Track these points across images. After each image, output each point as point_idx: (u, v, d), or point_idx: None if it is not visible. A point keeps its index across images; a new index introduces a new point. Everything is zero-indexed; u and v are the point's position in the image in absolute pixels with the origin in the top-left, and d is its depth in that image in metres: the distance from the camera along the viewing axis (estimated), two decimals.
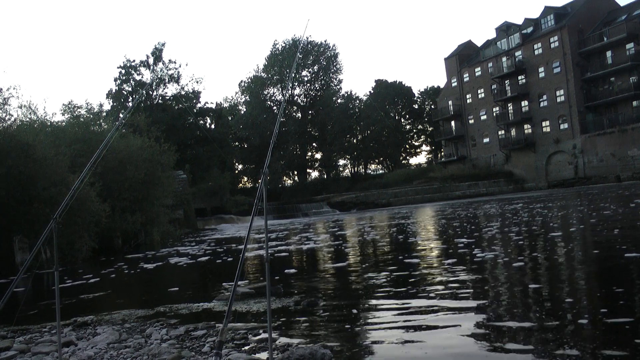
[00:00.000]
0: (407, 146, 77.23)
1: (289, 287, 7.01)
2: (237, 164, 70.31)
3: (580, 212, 15.81)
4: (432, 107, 71.16)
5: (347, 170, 77.10)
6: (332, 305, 5.66)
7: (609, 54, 47.41)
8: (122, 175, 21.67)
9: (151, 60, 53.88)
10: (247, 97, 72.08)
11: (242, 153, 68.41)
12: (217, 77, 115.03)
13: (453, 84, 63.86)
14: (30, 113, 21.12)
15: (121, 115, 45.19)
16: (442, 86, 69.04)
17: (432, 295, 5.65)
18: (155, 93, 53.69)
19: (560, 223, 12.61)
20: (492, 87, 57.86)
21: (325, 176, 74.65)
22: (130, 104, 51.63)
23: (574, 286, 5.69)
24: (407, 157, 78.09)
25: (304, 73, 71.30)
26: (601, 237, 9.48)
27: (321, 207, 48.66)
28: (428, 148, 78.45)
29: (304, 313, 5.37)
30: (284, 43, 69.53)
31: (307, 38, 68.97)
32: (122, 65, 53.38)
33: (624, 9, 49.91)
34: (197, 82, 58.15)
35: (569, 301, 4.83)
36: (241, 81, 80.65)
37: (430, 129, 73.24)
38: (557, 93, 50.75)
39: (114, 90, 53.63)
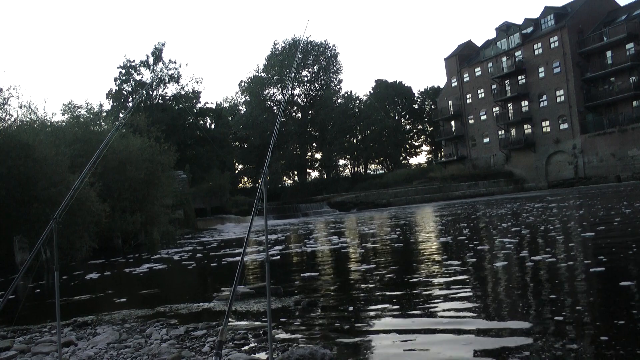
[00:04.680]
0: (407, 146, 77.23)
1: (289, 287, 7.01)
2: (237, 164, 70.32)
3: (598, 210, 15.48)
4: (432, 107, 71.16)
5: (347, 170, 77.19)
6: (332, 306, 5.66)
7: (609, 54, 47.40)
8: (122, 175, 21.68)
9: (151, 60, 53.90)
10: (247, 97, 72.12)
11: (242, 153, 68.43)
12: (217, 77, 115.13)
13: (453, 84, 63.85)
14: (30, 113, 21.14)
15: (121, 115, 45.18)
16: (442, 86, 69.05)
17: (434, 295, 5.65)
18: (155, 93, 53.70)
19: (588, 222, 12.15)
20: (492, 87, 57.86)
21: (325, 176, 74.67)
22: (130, 104, 51.62)
23: None
24: (407, 157, 78.15)
25: (303, 73, 71.37)
26: None
27: (321, 207, 48.67)
28: (428, 148, 78.49)
29: (304, 313, 5.37)
30: (284, 43, 69.65)
31: (307, 38, 69.12)
32: (122, 65, 53.41)
33: (624, 9, 49.91)
34: (197, 82, 58.24)
35: None
36: (241, 81, 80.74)
37: (430, 129, 73.24)
38: (557, 93, 50.75)
39: (114, 90, 53.65)
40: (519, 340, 3.69)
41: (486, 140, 59.44)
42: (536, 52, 52.83)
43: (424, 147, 78.97)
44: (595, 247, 8.07)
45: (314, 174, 76.80)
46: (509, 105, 56.29)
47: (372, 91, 75.42)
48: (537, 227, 12.13)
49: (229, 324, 4.49)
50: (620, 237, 9.18)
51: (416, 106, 76.44)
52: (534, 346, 3.50)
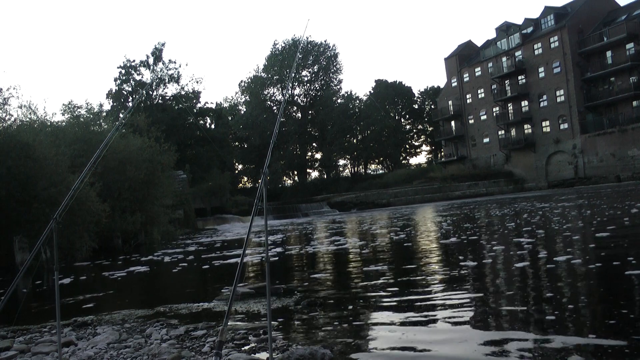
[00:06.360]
0: (407, 146, 77.24)
1: (289, 287, 7.01)
2: (237, 164, 70.33)
3: (604, 210, 15.38)
4: (432, 107, 71.19)
5: (347, 170, 77.22)
6: (332, 305, 5.66)
7: (609, 54, 47.40)
8: (122, 175, 21.68)
9: (151, 60, 53.93)
10: (247, 97, 72.13)
11: (242, 153, 68.43)
12: (217, 77, 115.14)
13: (453, 84, 63.85)
14: (30, 113, 21.15)
15: (121, 115, 45.19)
16: (442, 86, 69.06)
17: (436, 296, 5.64)
18: (155, 93, 53.71)
19: (598, 222, 11.97)
20: (492, 87, 57.87)
21: (325, 176, 74.68)
22: (130, 104, 51.63)
23: None
24: (407, 157, 78.19)
25: (303, 73, 71.34)
26: None
27: (321, 207, 48.69)
28: (428, 148, 78.52)
29: (304, 313, 5.37)
30: (284, 43, 69.62)
31: (307, 38, 69.10)
32: (122, 65, 53.45)
33: (624, 9, 49.91)
34: (197, 82, 58.32)
35: None
36: (241, 81, 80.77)
37: (430, 129, 73.27)
38: (557, 93, 50.75)
39: (114, 90, 53.68)
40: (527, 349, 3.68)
41: (486, 140, 59.44)
42: (536, 52, 52.83)
43: (424, 147, 79.12)
44: (617, 248, 7.75)
45: (314, 174, 76.92)
46: (509, 105, 56.29)
47: (372, 91, 75.44)
48: (549, 227, 12.00)
49: (228, 324, 4.48)
50: (638, 238, 9.03)
51: (416, 106, 76.46)
52: None
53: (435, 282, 6.39)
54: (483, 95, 59.49)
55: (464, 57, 63.31)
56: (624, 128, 45.09)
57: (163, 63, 53.83)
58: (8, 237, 16.11)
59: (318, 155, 74.79)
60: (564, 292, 5.11)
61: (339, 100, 73.02)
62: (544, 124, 52.56)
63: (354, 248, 11.93)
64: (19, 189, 16.12)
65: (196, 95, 56.63)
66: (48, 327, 5.89)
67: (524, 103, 54.49)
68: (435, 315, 4.69)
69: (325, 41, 71.86)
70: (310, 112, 72.56)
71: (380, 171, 75.52)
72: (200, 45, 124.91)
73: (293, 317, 5.25)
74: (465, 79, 62.00)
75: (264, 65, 70.71)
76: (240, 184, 68.91)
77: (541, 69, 52.25)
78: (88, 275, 12.24)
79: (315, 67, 71.45)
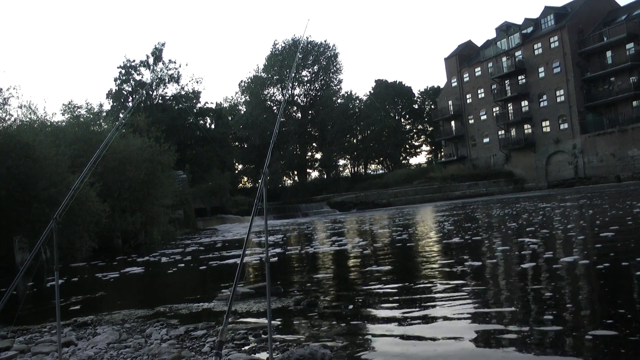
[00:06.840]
0: (407, 146, 77.24)
1: (289, 287, 7.01)
2: (237, 164, 70.32)
3: (606, 210, 15.32)
4: (432, 107, 71.19)
5: (347, 170, 77.22)
6: (332, 306, 5.66)
7: (609, 54, 47.40)
8: (122, 175, 21.67)
9: (151, 60, 53.92)
10: (247, 97, 72.13)
11: (242, 153, 68.44)
12: (217, 77, 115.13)
13: (453, 84, 63.85)
14: (30, 113, 21.15)
15: (121, 115, 45.17)
16: (442, 86, 69.05)
17: (437, 297, 5.64)
18: (155, 93, 53.71)
19: (601, 222, 11.88)
20: (492, 87, 57.86)
21: (325, 176, 74.68)
22: (130, 104, 51.63)
23: None
24: (407, 157, 78.18)
25: (303, 73, 71.34)
26: None
27: (321, 207, 48.69)
28: (428, 148, 78.51)
29: (304, 313, 5.36)
30: (284, 43, 69.63)
31: (307, 38, 69.09)
32: (122, 65, 53.45)
33: (624, 9, 49.91)
34: (197, 82, 58.30)
35: None
36: (241, 81, 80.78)
37: (430, 129, 73.26)
38: (557, 93, 50.75)
39: (114, 90, 53.67)
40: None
41: (486, 140, 59.44)
42: (536, 52, 52.83)
43: (424, 147, 79.11)
44: (624, 248, 7.63)
45: (314, 174, 76.92)
46: (509, 105, 56.29)
47: (372, 91, 75.42)
48: (552, 227, 11.95)
49: (228, 324, 4.48)
50: None
51: (416, 106, 76.45)
52: None
53: (438, 284, 6.36)
54: (483, 95, 59.49)
55: (464, 57, 63.31)
56: (624, 128, 45.09)
57: (163, 63, 53.86)
58: (8, 237, 16.11)
59: (318, 155, 74.83)
60: (575, 302, 4.77)
61: (339, 100, 73.03)
62: (544, 124, 52.57)
63: (355, 248, 11.92)
64: (19, 189, 16.12)
65: (196, 95, 56.65)
66: (48, 327, 5.89)
67: (524, 103, 54.49)
68: (435, 316, 4.68)
69: (325, 41, 71.96)
70: (310, 112, 72.57)
71: (380, 171, 75.53)
72: (200, 45, 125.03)
73: (293, 317, 5.24)
74: (465, 79, 62.00)
75: (264, 65, 70.74)
76: (240, 184, 68.93)
77: (541, 69, 52.26)
78: (81, 276, 12.13)
79: (315, 67, 71.46)
